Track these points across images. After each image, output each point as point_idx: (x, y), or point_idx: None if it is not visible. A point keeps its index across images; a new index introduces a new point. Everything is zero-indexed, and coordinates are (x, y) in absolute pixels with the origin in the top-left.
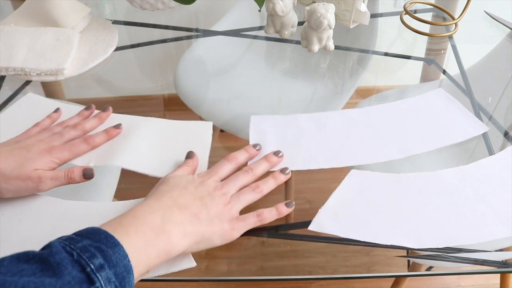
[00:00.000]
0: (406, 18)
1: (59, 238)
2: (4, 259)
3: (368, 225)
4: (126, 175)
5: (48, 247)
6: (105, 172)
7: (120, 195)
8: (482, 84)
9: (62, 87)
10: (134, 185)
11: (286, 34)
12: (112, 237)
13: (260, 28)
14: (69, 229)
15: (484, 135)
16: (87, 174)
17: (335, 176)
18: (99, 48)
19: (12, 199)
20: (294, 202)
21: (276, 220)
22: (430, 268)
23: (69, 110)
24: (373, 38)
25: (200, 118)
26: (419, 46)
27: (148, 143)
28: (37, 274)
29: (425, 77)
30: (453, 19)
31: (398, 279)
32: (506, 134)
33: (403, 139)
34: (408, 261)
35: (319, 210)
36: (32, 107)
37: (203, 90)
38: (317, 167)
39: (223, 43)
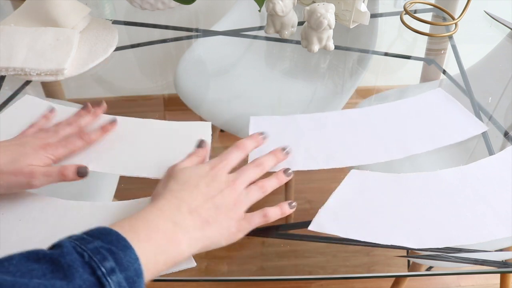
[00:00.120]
0: (406, 18)
1: (70, 237)
2: (13, 257)
3: (368, 225)
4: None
5: (58, 246)
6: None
7: (120, 195)
8: (482, 84)
9: (62, 87)
10: (134, 185)
11: (286, 34)
12: (123, 239)
13: (260, 28)
14: (69, 229)
15: (484, 135)
16: (81, 172)
17: (335, 176)
18: (99, 48)
19: (13, 199)
20: (295, 203)
21: (276, 220)
22: (430, 268)
23: (69, 111)
24: (373, 38)
25: (200, 118)
26: (419, 46)
27: (147, 146)
28: (47, 275)
29: (425, 77)
30: (453, 19)
31: (398, 279)
32: (506, 134)
33: (403, 139)
34: (408, 261)
35: (319, 210)
36: (29, 109)
37: (203, 90)
38: (317, 168)
39: (223, 43)
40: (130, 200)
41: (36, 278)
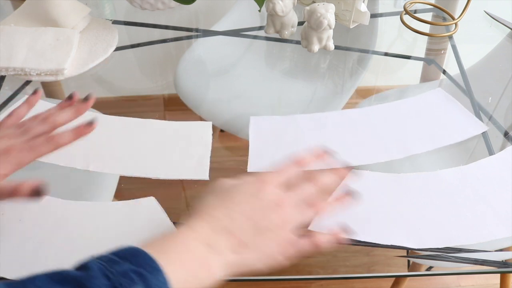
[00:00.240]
0: (406, 18)
1: (97, 258)
2: (36, 277)
3: (368, 225)
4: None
5: (84, 268)
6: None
7: (120, 195)
8: (482, 84)
9: (62, 87)
10: (134, 185)
11: (286, 34)
12: (153, 261)
13: (260, 28)
14: (69, 229)
15: (484, 135)
16: (37, 192)
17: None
18: (99, 48)
19: None
20: (351, 228)
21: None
22: (430, 268)
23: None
24: (373, 38)
25: (200, 118)
26: (419, 46)
27: (147, 146)
28: None
29: (425, 77)
30: (453, 19)
31: (398, 279)
32: (506, 134)
33: (403, 139)
34: (408, 261)
35: None
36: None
37: (203, 90)
38: (317, 168)
39: (223, 43)
40: (129, 200)
41: None
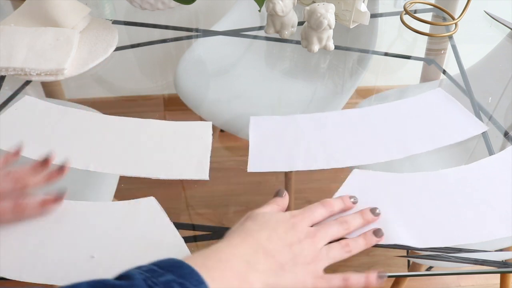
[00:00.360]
0: (406, 18)
1: (139, 268)
2: (77, 285)
3: (372, 224)
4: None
5: (127, 277)
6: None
7: (120, 195)
8: (482, 84)
9: (62, 87)
10: (134, 185)
11: (286, 34)
12: (197, 274)
13: (260, 28)
14: (68, 229)
15: (484, 135)
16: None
17: (335, 176)
18: (99, 48)
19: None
20: (386, 275)
21: None
22: (430, 268)
23: (68, 112)
24: (373, 38)
25: (200, 118)
26: (419, 46)
27: (147, 146)
28: None
29: (425, 77)
30: (453, 19)
31: (398, 279)
32: (506, 134)
33: (403, 139)
34: (408, 261)
35: None
36: (29, 110)
37: (203, 90)
38: (317, 168)
39: (223, 43)
40: (129, 200)
41: None
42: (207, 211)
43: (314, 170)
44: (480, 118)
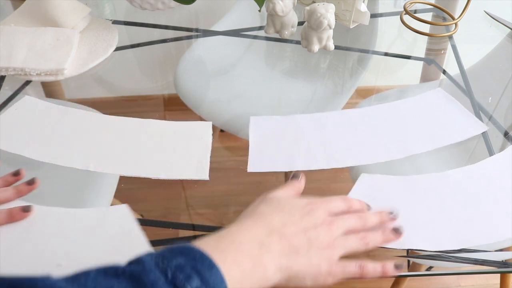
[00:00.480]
0: (406, 18)
1: (150, 253)
2: (89, 272)
3: (382, 229)
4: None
5: (138, 262)
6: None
7: (120, 195)
8: (482, 84)
9: (62, 87)
10: (134, 185)
11: (286, 34)
12: (208, 258)
13: (260, 28)
14: (37, 237)
15: (484, 134)
16: (25, 210)
17: (335, 176)
18: (99, 48)
19: None
20: (403, 265)
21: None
22: (430, 268)
23: (68, 112)
24: (373, 38)
25: (200, 118)
26: (419, 46)
27: (147, 146)
28: None
29: (425, 77)
30: (453, 19)
31: (398, 279)
32: (506, 134)
33: (403, 139)
34: (408, 261)
35: None
36: (29, 110)
37: (203, 90)
38: (317, 168)
39: (223, 43)
40: (102, 208)
41: None
42: (207, 211)
43: (314, 170)
44: (480, 118)
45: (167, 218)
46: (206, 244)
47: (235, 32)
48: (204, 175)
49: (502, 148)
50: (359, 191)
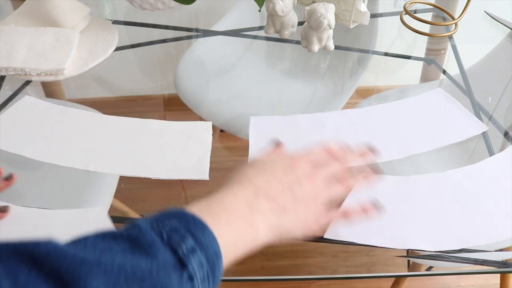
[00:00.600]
0: (406, 18)
1: (144, 219)
2: (87, 237)
3: (383, 230)
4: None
5: (134, 226)
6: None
7: (120, 195)
8: (482, 84)
9: (62, 87)
10: (134, 185)
11: (286, 34)
12: (200, 220)
13: (260, 28)
14: (12, 237)
15: (484, 134)
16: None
17: None
18: (99, 48)
19: None
20: (382, 204)
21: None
22: (430, 268)
23: (68, 112)
24: (373, 38)
25: (200, 118)
26: (419, 46)
27: (148, 146)
28: (127, 253)
29: (425, 77)
30: (453, 19)
31: (398, 279)
32: (506, 134)
33: (403, 139)
34: (408, 261)
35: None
36: (29, 110)
37: (203, 90)
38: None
39: (223, 43)
40: (79, 209)
41: (118, 254)
42: None
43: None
44: (480, 118)
45: None
46: (198, 209)
47: (235, 32)
48: (204, 175)
49: (502, 148)
50: (358, 191)
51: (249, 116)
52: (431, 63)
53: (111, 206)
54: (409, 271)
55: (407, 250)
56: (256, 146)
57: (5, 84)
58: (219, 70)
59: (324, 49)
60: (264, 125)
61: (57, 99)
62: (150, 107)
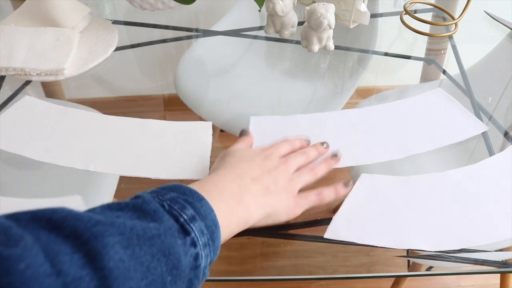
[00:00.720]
0: (406, 18)
1: (144, 191)
2: (94, 208)
3: (383, 230)
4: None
5: (137, 197)
6: (105, 172)
7: (120, 195)
8: (482, 84)
9: (62, 87)
10: (134, 185)
11: (286, 34)
12: (196, 192)
13: (260, 28)
14: None
15: (484, 134)
16: None
17: (335, 176)
18: (99, 48)
19: None
20: (351, 182)
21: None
22: (430, 268)
23: (68, 112)
24: (373, 38)
25: (200, 118)
26: (419, 46)
27: (147, 146)
28: (134, 218)
29: (425, 77)
30: (453, 19)
31: (398, 279)
32: (506, 134)
33: (403, 139)
34: (408, 261)
35: (334, 217)
36: (29, 110)
37: (203, 90)
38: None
39: (223, 43)
40: (56, 198)
41: (126, 219)
42: None
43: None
44: (480, 118)
45: None
46: (191, 186)
47: (235, 32)
48: (204, 175)
49: (502, 148)
50: (359, 191)
51: (249, 116)
52: (431, 63)
53: None
54: (409, 271)
55: (407, 250)
56: (256, 146)
57: (5, 84)
58: (219, 70)
59: (324, 49)
60: (264, 125)
61: (57, 99)
62: (150, 107)
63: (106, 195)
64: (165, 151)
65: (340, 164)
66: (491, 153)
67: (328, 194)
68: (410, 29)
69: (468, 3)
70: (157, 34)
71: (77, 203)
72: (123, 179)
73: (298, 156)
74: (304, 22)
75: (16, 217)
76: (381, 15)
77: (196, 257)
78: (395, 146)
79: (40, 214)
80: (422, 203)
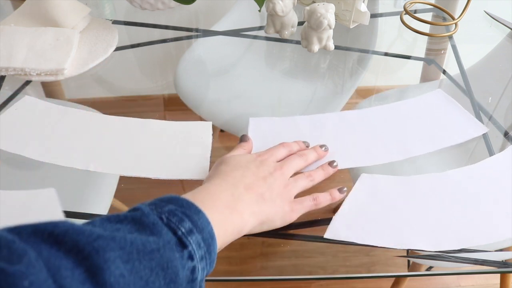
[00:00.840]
0: (406, 18)
1: (143, 203)
2: (94, 221)
3: (383, 230)
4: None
5: (135, 209)
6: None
7: (120, 195)
8: (482, 84)
9: (62, 87)
10: (134, 185)
11: (286, 34)
12: (193, 204)
13: (260, 28)
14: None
15: (484, 135)
16: None
17: (335, 176)
18: (99, 48)
19: None
20: (345, 188)
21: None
22: (430, 268)
23: (68, 112)
24: (373, 38)
25: (200, 118)
26: (419, 46)
27: (147, 146)
28: (133, 231)
29: (425, 77)
30: (453, 19)
31: (398, 279)
32: (506, 134)
33: (403, 140)
34: (408, 261)
35: (334, 218)
36: (29, 110)
37: (203, 90)
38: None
39: (223, 43)
40: (29, 191)
41: (126, 233)
42: None
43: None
44: (480, 118)
45: None
46: (185, 196)
47: (235, 32)
48: (204, 175)
49: (502, 148)
50: (359, 191)
51: (249, 116)
52: (431, 63)
53: (111, 206)
54: (409, 271)
55: (407, 250)
56: (256, 147)
57: (5, 84)
58: (219, 70)
59: (324, 49)
60: (263, 126)
61: (57, 99)
62: (150, 107)
63: (106, 195)
64: (165, 151)
65: (340, 166)
66: (491, 153)
67: (323, 199)
68: (410, 29)
69: (468, 3)
70: (157, 34)
71: (51, 195)
72: (123, 179)
73: (296, 159)
74: (304, 22)
75: (18, 231)
76: (381, 15)
77: (193, 270)
78: (395, 147)
79: (42, 227)
80: (422, 203)
